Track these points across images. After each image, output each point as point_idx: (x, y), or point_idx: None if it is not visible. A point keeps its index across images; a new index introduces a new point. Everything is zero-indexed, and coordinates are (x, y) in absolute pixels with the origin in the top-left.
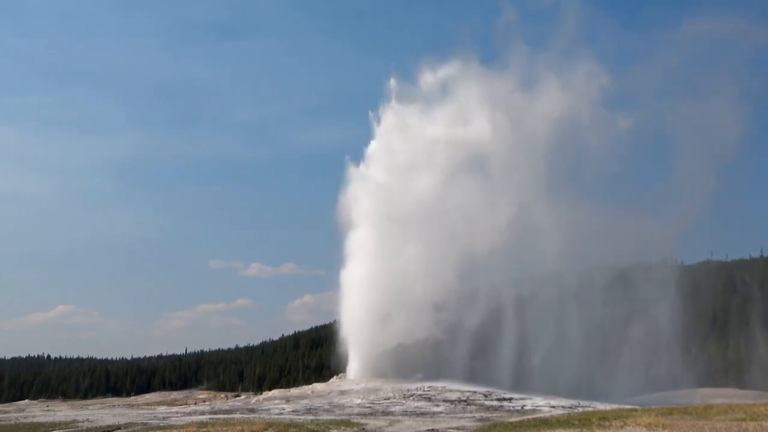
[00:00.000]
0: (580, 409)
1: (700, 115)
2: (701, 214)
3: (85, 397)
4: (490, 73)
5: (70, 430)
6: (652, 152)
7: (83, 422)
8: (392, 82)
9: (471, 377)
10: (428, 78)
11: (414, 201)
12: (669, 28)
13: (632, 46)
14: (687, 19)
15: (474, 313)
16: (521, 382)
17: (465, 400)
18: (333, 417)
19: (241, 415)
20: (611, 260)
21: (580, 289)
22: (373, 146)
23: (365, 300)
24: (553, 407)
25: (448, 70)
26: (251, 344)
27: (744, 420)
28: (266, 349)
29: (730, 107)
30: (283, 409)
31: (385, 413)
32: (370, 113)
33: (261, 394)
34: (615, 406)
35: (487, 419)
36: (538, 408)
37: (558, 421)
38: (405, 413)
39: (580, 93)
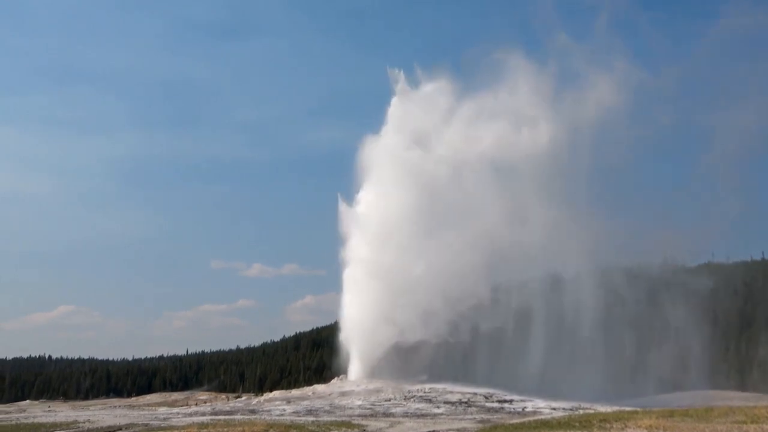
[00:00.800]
0: (581, 411)
1: (731, 114)
2: (738, 214)
3: (86, 397)
4: (535, 68)
5: (71, 430)
6: (683, 152)
7: (84, 423)
8: (416, 67)
9: (481, 382)
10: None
11: (432, 196)
12: (706, 26)
13: (668, 42)
14: (724, 15)
15: (489, 317)
16: (537, 388)
17: (466, 402)
18: (334, 418)
19: (242, 416)
20: (638, 267)
21: (605, 297)
22: (391, 122)
23: (367, 300)
24: (554, 409)
25: (492, 60)
26: (252, 345)
27: (745, 422)
28: (267, 350)
29: (764, 107)
30: (284, 411)
31: (386, 415)
32: (392, 72)
33: (262, 395)
34: (616, 408)
35: (488, 421)
36: (539, 410)
37: (559, 423)
38: (406, 415)
39: (619, 91)
